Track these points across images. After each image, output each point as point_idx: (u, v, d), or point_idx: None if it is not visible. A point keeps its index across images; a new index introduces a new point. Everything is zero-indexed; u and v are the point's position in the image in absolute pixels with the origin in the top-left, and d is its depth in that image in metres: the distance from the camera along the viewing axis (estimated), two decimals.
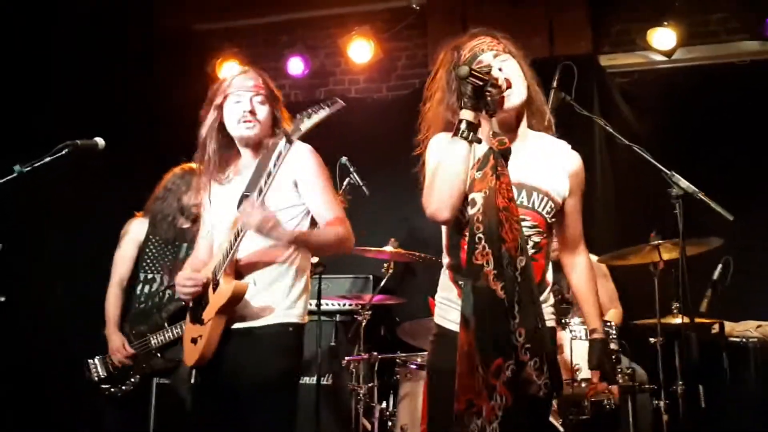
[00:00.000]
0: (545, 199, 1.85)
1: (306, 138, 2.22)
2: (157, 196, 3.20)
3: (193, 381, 2.18)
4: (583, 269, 2.01)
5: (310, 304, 2.36)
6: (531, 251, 1.77)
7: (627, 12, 4.64)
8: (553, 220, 1.90)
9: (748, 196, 3.73)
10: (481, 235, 1.67)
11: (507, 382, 1.59)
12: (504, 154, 1.69)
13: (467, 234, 1.74)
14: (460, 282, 1.82)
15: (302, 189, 2.17)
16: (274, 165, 1.98)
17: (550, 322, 1.87)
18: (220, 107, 2.21)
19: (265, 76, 2.26)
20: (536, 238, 1.82)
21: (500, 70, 1.80)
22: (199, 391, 2.21)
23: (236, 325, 2.11)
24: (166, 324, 3.08)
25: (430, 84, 1.96)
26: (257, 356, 2.06)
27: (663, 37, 4.31)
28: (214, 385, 2.13)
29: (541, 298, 1.81)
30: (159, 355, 3.07)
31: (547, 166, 1.88)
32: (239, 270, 2.11)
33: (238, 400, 2.07)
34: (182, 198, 3.16)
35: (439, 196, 1.74)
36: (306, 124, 1.92)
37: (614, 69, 4.60)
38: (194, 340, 2.14)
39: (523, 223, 1.76)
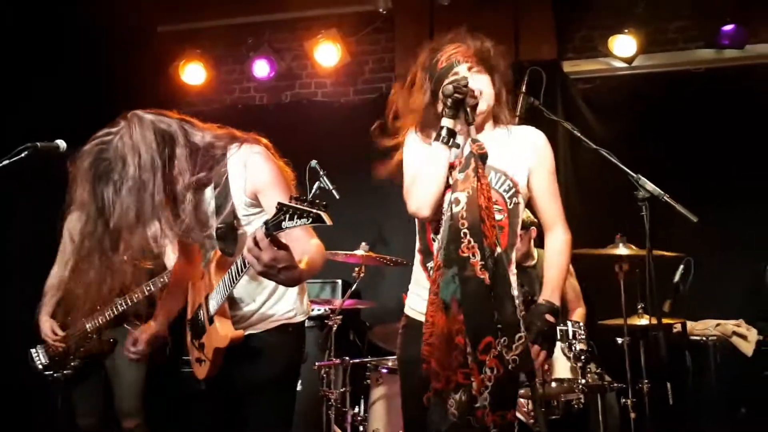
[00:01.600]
0: (502, 177, 1.98)
1: (274, 141, 2.14)
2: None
3: (203, 387, 2.16)
4: (553, 246, 2.06)
5: None
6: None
7: (590, 19, 4.75)
8: (516, 201, 1.99)
9: (704, 199, 3.84)
10: (466, 231, 1.82)
11: (497, 356, 1.75)
12: (482, 158, 1.86)
13: (449, 228, 1.86)
14: (428, 265, 1.96)
15: (263, 200, 2.00)
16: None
17: None
18: None
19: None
20: (497, 216, 1.93)
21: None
22: (204, 397, 2.18)
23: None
24: (98, 307, 3.14)
25: (408, 81, 2.09)
26: (258, 359, 2.05)
27: (624, 44, 4.43)
28: (219, 391, 2.12)
29: None
30: (95, 336, 3.17)
31: (507, 148, 2.02)
32: (233, 295, 2.05)
33: (241, 403, 2.06)
34: None
35: (420, 196, 1.92)
36: (287, 225, 1.64)
37: (577, 75, 4.71)
38: (198, 361, 2.12)
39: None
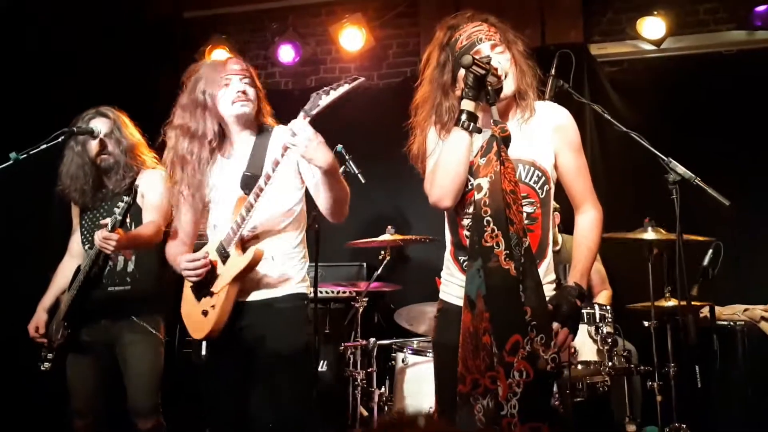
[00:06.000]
0: (531, 168, 1.86)
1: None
2: (62, 173, 2.82)
3: (204, 353, 2.12)
4: (583, 224, 1.92)
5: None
6: (525, 222, 1.78)
7: (617, 1, 4.68)
8: (546, 188, 1.88)
9: (734, 183, 3.79)
10: (489, 218, 1.72)
11: (527, 357, 1.62)
12: (506, 141, 1.75)
13: (471, 216, 1.79)
14: (460, 258, 1.89)
15: (303, 167, 2.19)
16: (281, 155, 2.04)
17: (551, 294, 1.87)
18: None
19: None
20: (528, 209, 1.84)
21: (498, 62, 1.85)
22: (213, 363, 2.18)
23: (254, 297, 2.15)
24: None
25: (423, 61, 1.99)
26: (279, 327, 2.11)
27: (652, 27, 4.36)
28: (230, 357, 2.16)
29: (540, 270, 1.78)
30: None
31: (529, 136, 1.88)
32: (250, 243, 2.15)
33: (257, 370, 2.11)
34: (85, 157, 2.76)
35: (441, 186, 1.81)
36: (324, 101, 1.93)
37: (604, 58, 4.65)
38: (205, 312, 2.16)
39: None
